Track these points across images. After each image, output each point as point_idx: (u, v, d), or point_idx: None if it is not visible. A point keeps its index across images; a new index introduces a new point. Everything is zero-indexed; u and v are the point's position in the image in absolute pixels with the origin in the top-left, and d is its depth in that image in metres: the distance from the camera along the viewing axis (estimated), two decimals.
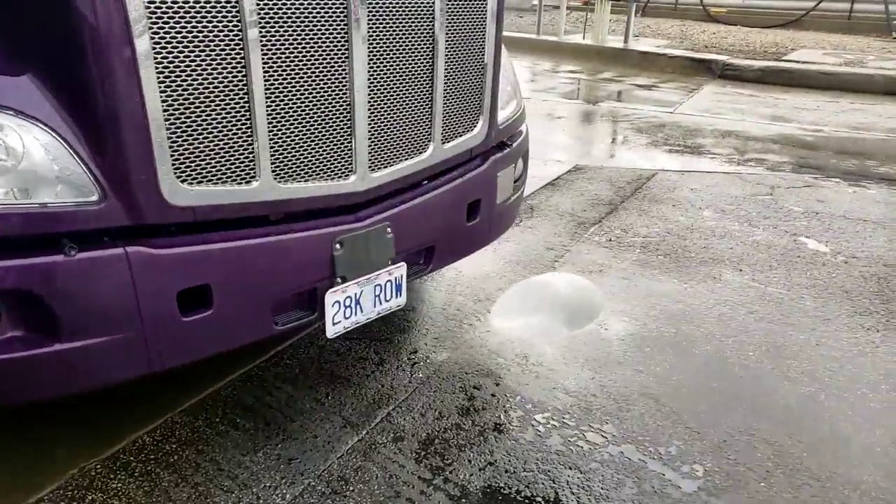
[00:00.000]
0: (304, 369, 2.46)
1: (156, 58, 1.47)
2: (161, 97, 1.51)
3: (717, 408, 2.31)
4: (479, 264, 3.34)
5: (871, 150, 5.70)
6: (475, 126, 2.33)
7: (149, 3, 1.44)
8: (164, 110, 1.53)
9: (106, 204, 1.53)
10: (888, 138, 6.11)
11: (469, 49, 2.19)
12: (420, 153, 2.16)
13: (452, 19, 2.08)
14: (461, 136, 2.29)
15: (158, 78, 1.49)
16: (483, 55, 2.25)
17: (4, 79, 1.51)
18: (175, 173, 1.59)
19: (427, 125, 2.14)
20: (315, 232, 1.93)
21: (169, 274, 1.65)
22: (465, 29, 2.15)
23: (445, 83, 2.14)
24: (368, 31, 1.84)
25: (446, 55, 2.10)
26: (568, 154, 5.32)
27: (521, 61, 10.27)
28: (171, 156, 1.57)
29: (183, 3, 1.48)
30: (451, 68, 2.15)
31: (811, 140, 6.02)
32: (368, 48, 1.86)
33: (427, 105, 2.11)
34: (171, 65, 1.51)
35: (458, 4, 2.08)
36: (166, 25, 1.47)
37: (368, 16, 1.82)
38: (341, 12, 1.76)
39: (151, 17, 1.45)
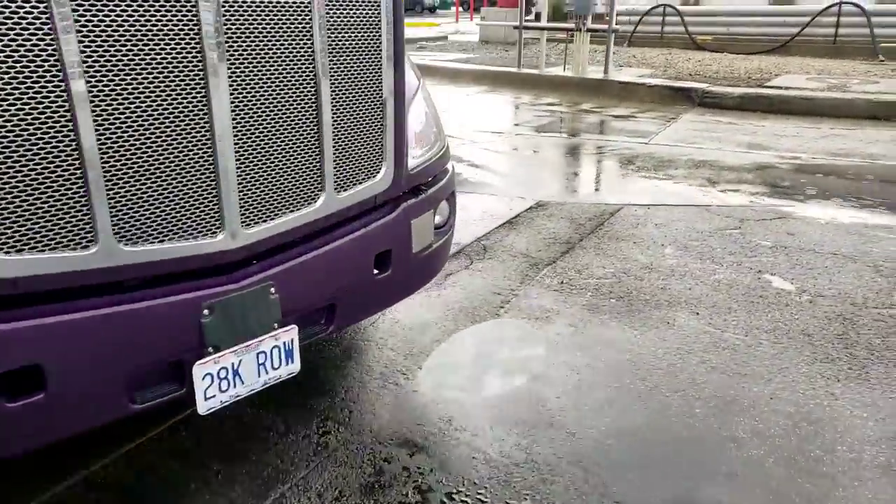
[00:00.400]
0: (200, 442, 2.23)
1: None
2: None
3: (651, 477, 2.07)
4: (418, 313, 3.12)
5: (849, 177, 5.50)
6: (377, 172, 2.14)
7: None
8: None
9: None
10: (866, 164, 5.93)
11: (363, 93, 2.01)
12: (309, 204, 1.96)
13: (338, 62, 1.91)
14: (361, 183, 2.10)
15: None
16: (381, 98, 2.07)
17: None
18: None
19: (316, 174, 1.95)
20: (175, 298, 1.72)
21: None
22: (355, 72, 1.97)
23: (335, 129, 1.96)
24: (232, 74, 1.65)
25: (333, 100, 1.92)
26: (532, 190, 5.14)
27: (502, 95, 10.19)
28: None
29: None
30: (342, 114, 1.96)
31: (787, 168, 5.83)
32: (233, 92, 1.67)
33: (314, 153, 1.92)
34: None
35: (343, 45, 1.91)
36: None
37: (230, 56, 1.64)
38: (193, 51, 1.57)
39: None
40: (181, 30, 1.54)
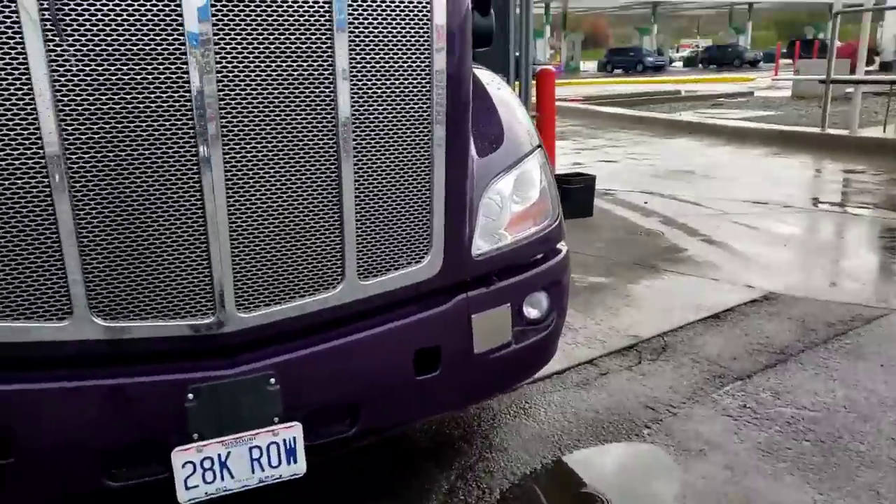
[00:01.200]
0: None
1: None
2: None
3: None
4: (537, 417, 2.66)
5: None
6: (422, 258, 1.85)
7: None
8: None
9: None
10: None
11: (400, 166, 1.76)
12: (325, 290, 1.76)
13: (368, 130, 1.69)
14: (396, 270, 1.83)
15: None
16: (426, 173, 1.79)
17: None
18: None
19: (335, 258, 1.74)
20: (158, 378, 1.65)
21: None
22: (391, 142, 1.73)
23: (361, 207, 1.73)
24: (228, 136, 1.52)
25: (358, 174, 1.70)
26: (769, 277, 4.19)
27: (791, 159, 8.78)
28: None
29: None
30: (370, 190, 1.73)
31: None
32: (229, 160, 1.54)
33: (333, 233, 1.72)
34: None
35: (375, 110, 1.68)
36: None
37: (225, 117, 1.51)
38: (179, 108, 1.47)
39: None
40: (171, 96, 1.48)
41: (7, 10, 1.34)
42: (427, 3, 1.68)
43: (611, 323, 3.51)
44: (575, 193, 5.59)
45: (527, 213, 2.15)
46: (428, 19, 1.69)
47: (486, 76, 2.38)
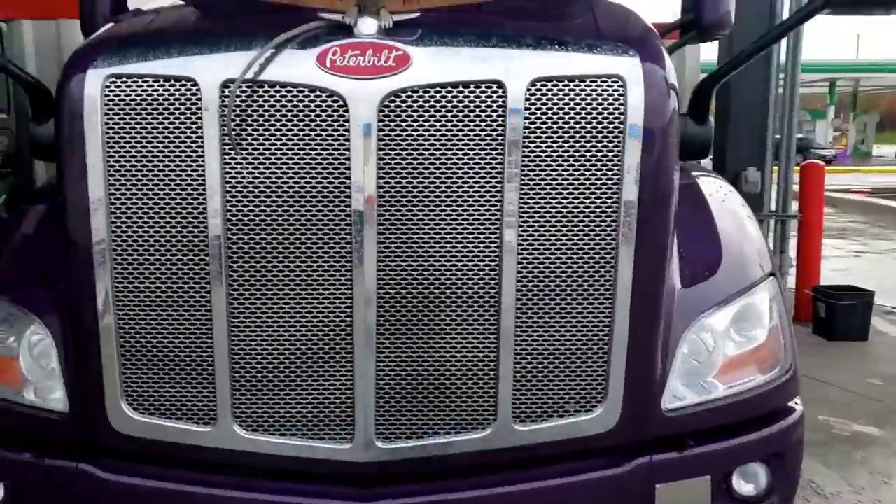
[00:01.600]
0: None
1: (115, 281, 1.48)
2: (115, 299, 1.47)
3: None
4: None
5: None
6: (594, 407, 1.54)
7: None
8: (120, 326, 1.48)
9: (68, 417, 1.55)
10: None
11: (575, 290, 1.50)
12: (473, 430, 1.53)
13: (533, 245, 1.46)
14: (560, 417, 1.54)
15: (115, 278, 1.47)
16: (607, 303, 1.50)
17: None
18: (124, 398, 1.53)
19: (488, 394, 1.52)
20: (279, 498, 1.55)
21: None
22: (562, 261, 1.48)
23: (521, 339, 1.50)
24: (384, 251, 1.45)
25: (521, 299, 1.48)
26: None
27: None
28: (122, 378, 1.52)
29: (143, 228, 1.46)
30: (533, 319, 1.50)
31: None
32: (383, 274, 1.46)
33: (486, 366, 1.51)
34: (125, 271, 1.47)
35: (547, 219, 1.46)
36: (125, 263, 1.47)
37: (383, 232, 1.44)
38: (339, 225, 1.44)
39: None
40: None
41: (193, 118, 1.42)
42: (619, 101, 1.44)
43: (877, 495, 2.70)
44: (844, 311, 4.65)
45: (748, 357, 1.71)
46: (620, 119, 1.44)
47: (709, 185, 2.01)
